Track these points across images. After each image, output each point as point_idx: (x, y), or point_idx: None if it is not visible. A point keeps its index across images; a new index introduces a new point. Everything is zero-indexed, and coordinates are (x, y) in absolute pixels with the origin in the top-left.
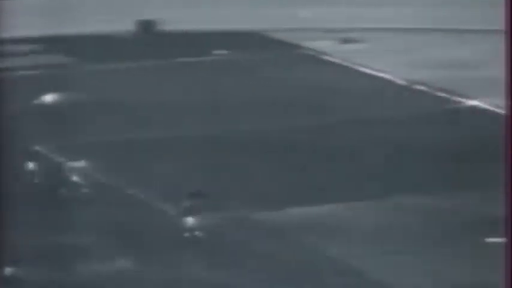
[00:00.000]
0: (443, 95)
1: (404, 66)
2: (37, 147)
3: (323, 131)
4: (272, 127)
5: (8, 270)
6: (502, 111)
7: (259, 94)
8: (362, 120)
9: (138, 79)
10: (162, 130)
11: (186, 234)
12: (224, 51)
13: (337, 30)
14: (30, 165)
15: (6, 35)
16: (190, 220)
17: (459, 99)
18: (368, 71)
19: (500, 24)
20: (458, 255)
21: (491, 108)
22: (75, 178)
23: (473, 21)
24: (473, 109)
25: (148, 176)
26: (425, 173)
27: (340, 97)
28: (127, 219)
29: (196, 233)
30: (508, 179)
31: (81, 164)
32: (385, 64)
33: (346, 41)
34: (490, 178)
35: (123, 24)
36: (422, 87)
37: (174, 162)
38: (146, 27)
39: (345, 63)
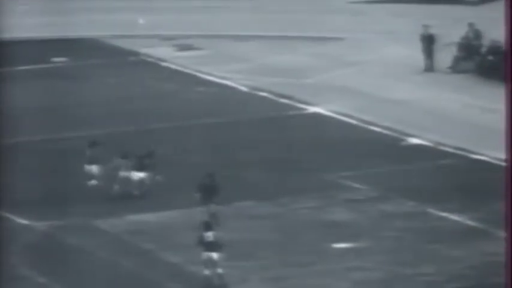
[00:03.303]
0: (285, 101)
1: (243, 72)
2: None
3: (163, 135)
4: (110, 132)
5: None
6: (341, 117)
7: (99, 101)
8: (206, 125)
9: None
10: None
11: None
12: (63, 59)
13: (173, 37)
14: None
15: None
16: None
17: (301, 105)
18: (209, 77)
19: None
20: (303, 261)
21: (332, 114)
22: None
23: (308, 28)
24: (316, 115)
25: None
26: (268, 178)
27: (182, 103)
28: None
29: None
30: (508, 179)
31: None
32: (225, 71)
33: (183, 48)
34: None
35: None
36: (264, 94)
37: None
38: None
39: (186, 70)
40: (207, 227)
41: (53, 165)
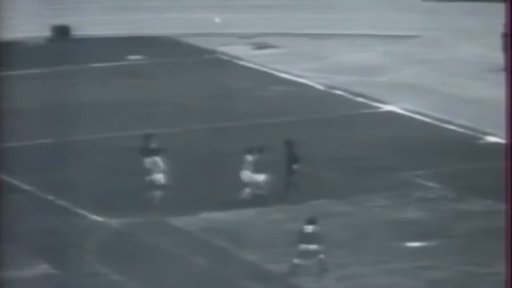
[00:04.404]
0: (360, 99)
1: (319, 71)
2: None
3: (239, 134)
4: (187, 130)
5: None
6: (415, 116)
7: (174, 99)
8: (282, 123)
9: (54, 85)
10: (76, 135)
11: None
12: (139, 56)
13: (249, 36)
14: None
15: None
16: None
17: (376, 104)
18: (285, 76)
19: (406, 29)
20: (376, 260)
21: (406, 112)
22: None
23: (381, 26)
24: (390, 113)
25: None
26: (342, 177)
27: (259, 101)
28: None
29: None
30: (508, 179)
31: None
32: (301, 69)
33: (259, 46)
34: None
35: (38, 30)
36: (340, 92)
37: (87, 166)
38: (61, 32)
39: (262, 68)
40: (310, 221)
41: (126, 162)
